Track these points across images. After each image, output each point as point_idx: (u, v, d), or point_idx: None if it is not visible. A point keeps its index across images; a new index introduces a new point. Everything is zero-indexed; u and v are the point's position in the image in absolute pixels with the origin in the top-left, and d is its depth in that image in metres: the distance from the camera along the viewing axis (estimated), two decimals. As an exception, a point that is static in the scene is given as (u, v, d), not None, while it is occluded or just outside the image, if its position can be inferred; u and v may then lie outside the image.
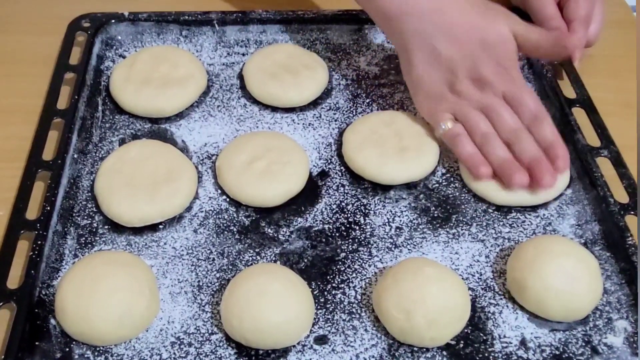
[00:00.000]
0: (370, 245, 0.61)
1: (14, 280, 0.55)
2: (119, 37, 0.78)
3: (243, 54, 0.78)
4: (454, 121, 0.63)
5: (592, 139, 0.66)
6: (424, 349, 0.54)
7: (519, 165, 0.60)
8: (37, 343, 0.53)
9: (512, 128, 0.61)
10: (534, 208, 0.63)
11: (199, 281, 0.58)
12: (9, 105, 0.72)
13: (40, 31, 0.80)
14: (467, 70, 0.63)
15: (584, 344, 0.54)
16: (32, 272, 0.55)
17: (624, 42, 0.80)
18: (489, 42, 0.63)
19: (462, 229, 0.62)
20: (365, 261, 0.60)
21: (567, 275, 0.54)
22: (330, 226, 0.62)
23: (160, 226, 0.62)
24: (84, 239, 0.61)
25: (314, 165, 0.67)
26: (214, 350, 0.54)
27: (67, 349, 0.53)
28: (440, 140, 0.66)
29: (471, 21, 0.63)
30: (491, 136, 0.62)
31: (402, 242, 0.61)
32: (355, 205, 0.64)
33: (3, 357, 0.50)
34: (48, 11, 0.83)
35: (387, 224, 0.62)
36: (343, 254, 0.60)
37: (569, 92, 0.71)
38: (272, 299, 0.52)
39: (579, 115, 0.68)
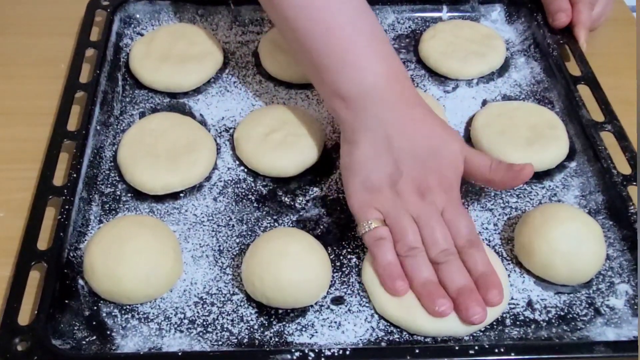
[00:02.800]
0: (383, 214, 0.63)
1: (43, 242, 0.58)
2: (137, 16, 0.81)
3: (258, 33, 0.81)
4: (381, 222, 0.57)
5: (596, 114, 0.69)
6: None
7: (444, 291, 0.54)
8: (66, 301, 0.56)
9: (443, 248, 0.55)
10: (539, 180, 0.66)
11: (219, 246, 0.61)
12: (7, 107, 0.73)
13: (45, 33, 0.81)
14: (413, 172, 0.57)
15: (587, 306, 0.57)
16: (61, 234, 0.58)
17: (622, 41, 0.82)
18: (441, 153, 0.58)
19: (471, 199, 0.65)
20: (378, 228, 0.62)
21: (572, 239, 0.56)
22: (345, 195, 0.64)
23: (181, 194, 0.64)
24: (108, 205, 0.63)
25: (328, 139, 0.69)
26: (235, 310, 0.56)
27: (95, 307, 0.56)
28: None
29: (430, 128, 0.59)
30: (418, 251, 0.56)
31: (413, 211, 0.63)
32: (368, 176, 0.66)
33: (36, 312, 0.53)
34: (57, 11, 0.84)
35: (399, 193, 0.65)
36: (357, 221, 0.63)
37: (574, 70, 0.73)
38: (292, 260, 0.55)
39: (584, 92, 0.71)
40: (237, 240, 0.61)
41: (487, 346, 0.51)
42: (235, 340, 0.54)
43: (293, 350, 0.51)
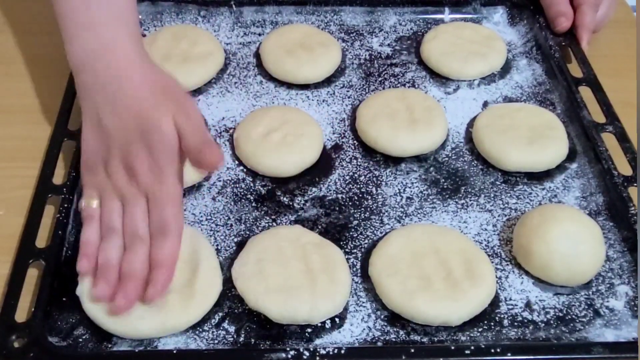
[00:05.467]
0: (381, 214, 0.63)
1: (42, 240, 0.58)
2: (140, 17, 0.81)
3: (259, 34, 0.81)
4: (97, 199, 0.57)
5: (597, 115, 0.68)
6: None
7: (114, 277, 0.54)
8: (64, 299, 0.56)
9: (134, 232, 0.55)
10: (540, 181, 0.66)
11: (217, 245, 0.60)
12: (8, 105, 0.73)
13: (47, 31, 0.78)
14: (122, 153, 0.56)
15: (586, 307, 0.56)
16: (59, 232, 0.58)
17: (623, 42, 0.81)
18: (151, 134, 0.55)
19: (470, 200, 0.64)
20: (377, 228, 0.62)
21: (571, 239, 0.56)
22: (344, 196, 0.65)
23: (180, 194, 0.64)
24: (107, 204, 0.63)
25: (327, 139, 0.69)
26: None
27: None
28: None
29: (140, 107, 0.56)
30: (113, 234, 0.56)
31: (412, 212, 0.63)
32: (367, 176, 0.66)
33: (33, 309, 0.53)
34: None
35: (398, 194, 0.65)
36: (356, 222, 0.62)
37: (576, 72, 0.73)
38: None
39: (585, 93, 0.71)
40: (235, 240, 0.61)
41: (483, 346, 0.51)
42: (232, 338, 0.54)
43: (288, 349, 0.51)
